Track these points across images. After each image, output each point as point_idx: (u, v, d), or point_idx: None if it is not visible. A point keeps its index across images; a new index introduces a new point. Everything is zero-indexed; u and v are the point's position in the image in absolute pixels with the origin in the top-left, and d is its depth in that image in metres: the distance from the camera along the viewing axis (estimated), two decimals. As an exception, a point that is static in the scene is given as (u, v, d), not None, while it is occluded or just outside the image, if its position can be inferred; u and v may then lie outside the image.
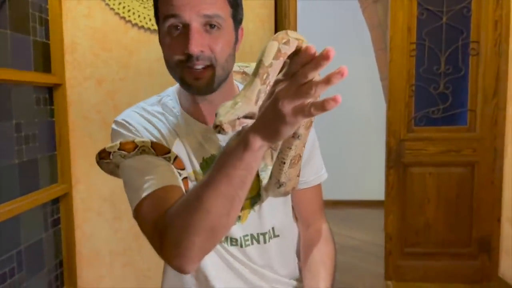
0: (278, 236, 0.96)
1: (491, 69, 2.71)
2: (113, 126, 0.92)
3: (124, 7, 2.13)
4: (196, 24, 0.80)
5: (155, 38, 2.17)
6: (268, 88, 0.63)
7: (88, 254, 2.28)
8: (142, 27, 2.16)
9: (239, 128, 0.59)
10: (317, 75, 0.59)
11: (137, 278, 2.30)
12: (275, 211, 0.96)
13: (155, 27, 2.14)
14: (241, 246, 0.92)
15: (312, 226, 1.04)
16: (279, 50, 0.62)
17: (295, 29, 2.19)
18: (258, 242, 0.94)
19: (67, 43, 2.14)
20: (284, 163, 0.79)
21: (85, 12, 2.14)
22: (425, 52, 2.79)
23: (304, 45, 0.62)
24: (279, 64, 0.63)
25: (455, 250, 2.83)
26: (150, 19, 2.15)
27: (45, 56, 2.05)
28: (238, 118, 0.58)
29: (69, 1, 2.12)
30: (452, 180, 2.81)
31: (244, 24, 0.92)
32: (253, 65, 1.03)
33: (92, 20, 2.15)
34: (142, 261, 2.29)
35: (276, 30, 2.12)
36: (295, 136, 0.74)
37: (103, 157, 0.88)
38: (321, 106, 0.57)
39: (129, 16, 2.14)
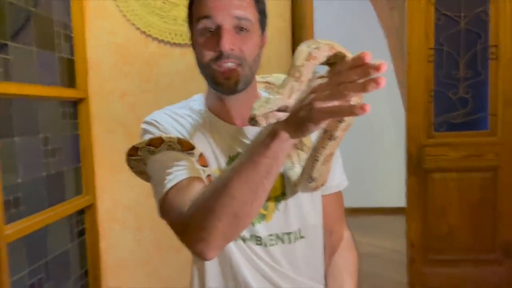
0: (303, 237, 0.97)
1: (511, 73, 2.69)
2: (143, 125, 0.96)
3: (144, 22, 2.19)
4: (227, 25, 0.86)
5: (174, 51, 2.22)
6: (303, 85, 0.65)
7: (113, 264, 2.32)
8: (162, 41, 2.21)
9: (273, 120, 0.61)
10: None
11: (161, 287, 2.33)
12: (302, 212, 0.97)
13: (175, 40, 2.21)
14: (266, 245, 0.93)
15: (335, 233, 1.05)
16: (309, 54, 0.64)
17: (311, 38, 2.21)
18: (283, 242, 0.94)
19: (90, 58, 2.21)
20: (317, 160, 0.81)
21: (108, 29, 2.20)
22: (443, 57, 2.78)
23: (338, 48, 0.64)
24: (311, 65, 0.64)
25: (480, 256, 2.79)
26: (169, 33, 2.20)
27: (70, 72, 2.12)
28: (272, 111, 0.61)
29: (92, 18, 2.19)
30: (474, 185, 2.78)
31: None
32: (275, 75, 1.07)
33: (114, 36, 2.21)
34: (165, 270, 2.32)
35: (293, 42, 2.14)
36: (331, 138, 0.75)
37: (131, 154, 0.92)
38: (349, 110, 0.59)
39: (149, 31, 2.20)
